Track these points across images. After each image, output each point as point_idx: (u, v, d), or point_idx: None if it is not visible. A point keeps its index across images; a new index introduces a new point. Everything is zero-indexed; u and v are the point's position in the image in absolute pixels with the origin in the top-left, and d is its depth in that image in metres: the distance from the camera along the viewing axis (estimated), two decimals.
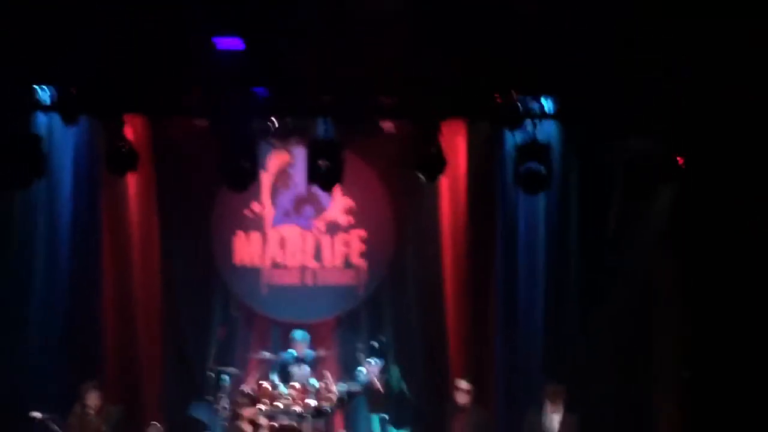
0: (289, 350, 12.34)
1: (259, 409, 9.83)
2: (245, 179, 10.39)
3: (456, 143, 12.04)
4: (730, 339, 9.63)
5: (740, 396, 9.64)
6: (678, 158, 9.98)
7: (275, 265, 12.96)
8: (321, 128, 10.51)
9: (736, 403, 9.56)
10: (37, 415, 9.63)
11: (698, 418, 9.74)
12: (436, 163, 10.35)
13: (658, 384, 9.98)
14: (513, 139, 11.08)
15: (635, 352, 11.38)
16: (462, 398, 10.03)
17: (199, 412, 12.40)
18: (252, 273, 12.93)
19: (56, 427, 9.55)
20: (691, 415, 9.76)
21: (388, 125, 12.05)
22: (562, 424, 10.15)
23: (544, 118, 10.87)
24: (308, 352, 12.32)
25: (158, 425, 10.06)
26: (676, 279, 9.95)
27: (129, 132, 10.52)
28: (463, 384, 10.04)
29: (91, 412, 9.78)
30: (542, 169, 10.25)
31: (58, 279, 11.93)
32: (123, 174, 10.63)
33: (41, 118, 11.17)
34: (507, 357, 12.27)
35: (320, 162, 9.97)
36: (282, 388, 11.83)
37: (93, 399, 9.79)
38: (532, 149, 10.30)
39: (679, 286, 9.91)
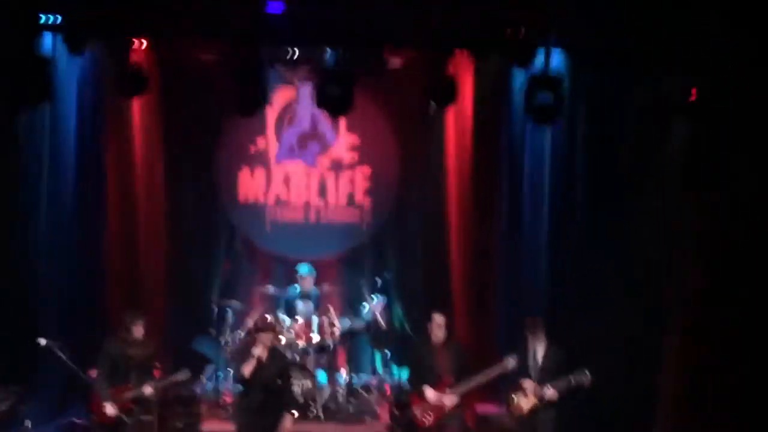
0: (294, 285, 12.31)
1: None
2: (254, 104, 10.30)
3: (463, 77, 11.88)
4: (743, 281, 9.47)
5: (748, 342, 9.53)
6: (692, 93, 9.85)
7: (279, 202, 12.99)
8: (330, 59, 10.40)
9: (744, 350, 9.47)
10: (42, 341, 9.57)
11: (704, 361, 9.67)
12: (447, 89, 10.25)
13: (665, 324, 9.90)
14: (522, 73, 11.00)
15: (643, 292, 11.36)
16: (439, 333, 9.97)
17: (203, 346, 12.43)
18: (256, 209, 12.96)
19: (61, 353, 9.49)
20: (697, 357, 9.69)
21: (394, 61, 11.98)
22: (545, 356, 10.17)
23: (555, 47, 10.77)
24: (313, 289, 12.30)
25: (188, 371, 10.07)
26: (689, 219, 9.82)
27: (136, 57, 10.40)
28: (439, 319, 9.98)
29: (133, 341, 9.84)
30: (552, 99, 10.19)
31: (64, 205, 11.84)
32: (131, 95, 10.47)
33: (47, 42, 11.06)
34: (509, 295, 12.26)
35: (330, 88, 9.84)
36: (286, 323, 11.82)
37: (138, 330, 9.85)
38: (544, 80, 10.21)
39: (693, 226, 9.77)
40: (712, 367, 9.29)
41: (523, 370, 10.09)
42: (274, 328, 10.16)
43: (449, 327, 10.09)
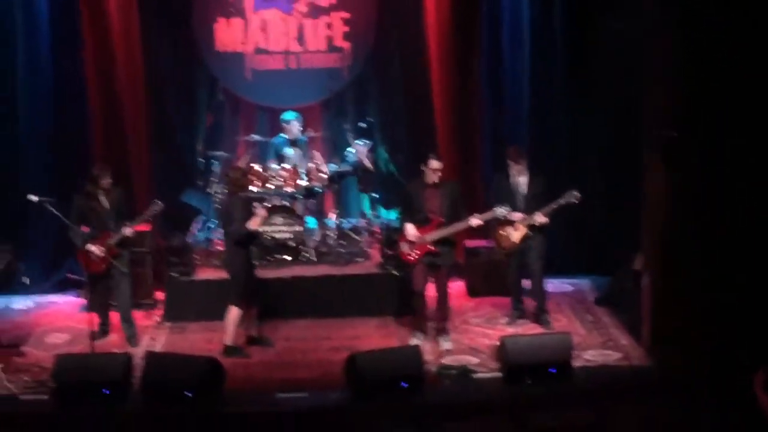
0: (280, 134, 12.33)
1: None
2: None
3: None
4: (725, 96, 9.46)
5: (730, 167, 9.60)
6: None
7: (258, 50, 12.87)
8: None
9: (726, 175, 9.56)
10: (33, 197, 9.68)
11: (684, 180, 9.77)
12: None
13: (645, 148, 9.97)
14: None
15: (623, 119, 11.49)
16: (434, 177, 10.04)
17: (192, 198, 12.56)
18: (235, 59, 12.85)
19: (52, 208, 9.61)
20: (678, 177, 9.78)
21: None
22: (530, 185, 10.34)
23: None
24: (299, 135, 12.32)
25: (159, 203, 10.20)
26: (667, 36, 9.73)
27: None
28: (436, 164, 10.04)
29: (102, 191, 10.00)
30: None
31: (41, 68, 11.87)
32: None
33: None
34: (493, 131, 12.33)
35: None
36: (273, 170, 11.89)
37: (106, 181, 10.00)
38: None
39: (670, 49, 9.71)
40: (694, 192, 9.41)
41: (509, 203, 10.26)
42: (245, 173, 10.29)
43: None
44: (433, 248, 10.02)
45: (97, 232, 10.02)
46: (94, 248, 9.95)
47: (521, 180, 10.36)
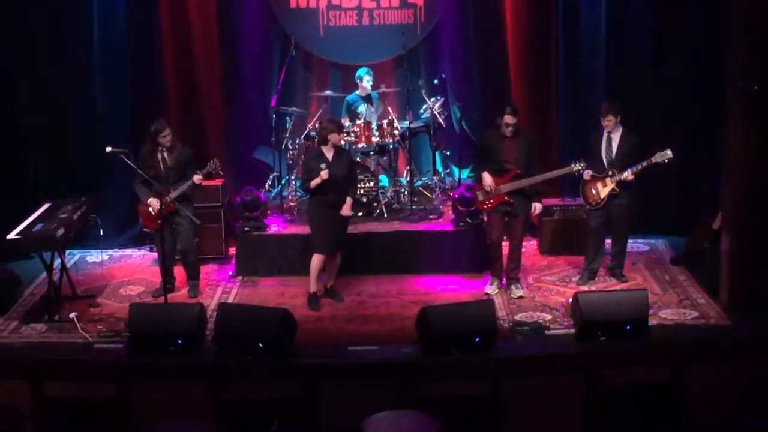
0: (355, 92, 12.27)
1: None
2: None
3: None
4: None
5: None
6: None
7: (332, 7, 12.72)
8: None
9: None
10: (109, 149, 9.72)
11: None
12: None
13: (727, 101, 9.74)
14: None
15: (704, 73, 11.33)
16: (507, 131, 10.02)
17: (264, 154, 12.57)
18: (309, 15, 12.69)
19: (128, 159, 9.65)
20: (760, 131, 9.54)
21: None
22: (621, 141, 10.17)
23: None
24: (372, 92, 12.25)
25: (217, 161, 10.26)
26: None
27: None
28: (509, 118, 9.98)
29: (163, 148, 10.09)
30: None
31: (117, 28, 11.94)
32: None
33: None
34: (569, 88, 12.12)
35: None
36: (346, 126, 11.81)
37: (165, 137, 10.04)
38: None
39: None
40: None
41: (598, 159, 10.25)
42: (341, 127, 10.26)
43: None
44: (508, 198, 10.11)
45: (158, 188, 10.01)
46: (155, 202, 9.99)
47: (613, 136, 10.19)
